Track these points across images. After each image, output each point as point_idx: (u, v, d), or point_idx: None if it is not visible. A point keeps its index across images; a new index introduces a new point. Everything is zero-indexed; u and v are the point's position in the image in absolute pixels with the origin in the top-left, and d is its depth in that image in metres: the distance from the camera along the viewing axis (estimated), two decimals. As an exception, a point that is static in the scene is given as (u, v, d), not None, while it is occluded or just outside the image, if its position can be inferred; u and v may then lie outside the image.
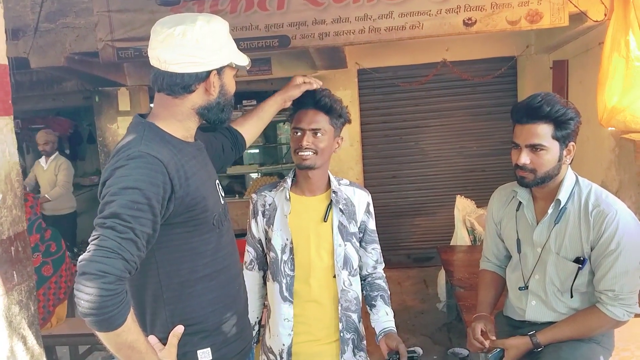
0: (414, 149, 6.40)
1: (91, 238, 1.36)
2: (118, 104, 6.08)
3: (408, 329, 4.60)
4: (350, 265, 2.04)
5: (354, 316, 2.07)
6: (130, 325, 1.35)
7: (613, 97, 3.63)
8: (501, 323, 2.23)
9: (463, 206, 4.97)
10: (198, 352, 1.58)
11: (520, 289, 2.14)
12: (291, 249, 2.00)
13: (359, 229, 2.08)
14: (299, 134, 1.96)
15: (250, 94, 6.50)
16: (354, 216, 2.06)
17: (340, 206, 2.03)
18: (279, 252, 2.02)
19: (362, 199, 2.10)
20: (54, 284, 3.21)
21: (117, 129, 6.13)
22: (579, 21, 4.29)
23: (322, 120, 1.96)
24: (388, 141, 6.39)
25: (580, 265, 1.95)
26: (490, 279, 2.30)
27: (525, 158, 1.93)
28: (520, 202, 2.11)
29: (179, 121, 1.58)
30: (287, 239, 2.01)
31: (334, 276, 2.02)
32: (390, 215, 6.48)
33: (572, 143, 1.94)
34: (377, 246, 2.16)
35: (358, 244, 2.09)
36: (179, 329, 1.54)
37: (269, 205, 2.07)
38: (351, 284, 2.05)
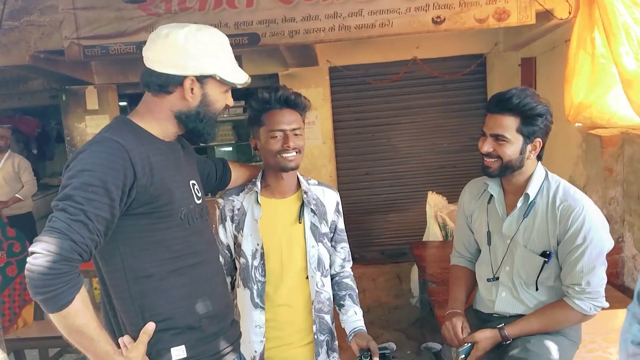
0: (386, 146, 6.42)
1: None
2: (86, 102, 5.96)
3: (382, 324, 4.61)
4: (323, 266, 2.03)
5: (327, 317, 2.05)
6: (79, 308, 1.34)
7: (579, 93, 3.70)
8: (470, 317, 2.25)
9: (435, 202, 5.01)
10: (172, 349, 1.55)
11: (489, 280, 2.16)
12: (262, 254, 1.95)
13: (329, 228, 2.06)
14: (278, 136, 1.90)
15: (221, 92, 6.44)
16: (324, 216, 2.03)
17: (312, 207, 1.99)
18: (249, 258, 1.97)
19: (331, 199, 2.08)
20: (19, 285, 3.14)
21: (85, 128, 6.02)
22: (546, 19, 4.36)
23: (298, 119, 1.94)
24: (360, 138, 6.41)
25: (546, 259, 1.98)
26: (462, 275, 2.32)
27: (487, 146, 1.97)
28: (491, 195, 2.13)
29: (156, 120, 1.59)
30: (257, 244, 1.96)
31: (307, 278, 1.99)
32: (364, 212, 6.50)
33: (538, 139, 1.97)
34: (346, 245, 2.14)
35: (329, 244, 2.06)
36: (150, 326, 1.52)
37: (238, 210, 2.00)
38: (324, 285, 2.04)
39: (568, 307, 1.97)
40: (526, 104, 1.90)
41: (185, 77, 1.54)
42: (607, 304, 1.98)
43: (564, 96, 3.86)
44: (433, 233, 4.81)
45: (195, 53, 1.53)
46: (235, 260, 2.05)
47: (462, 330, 2.12)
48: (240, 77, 1.63)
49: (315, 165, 6.23)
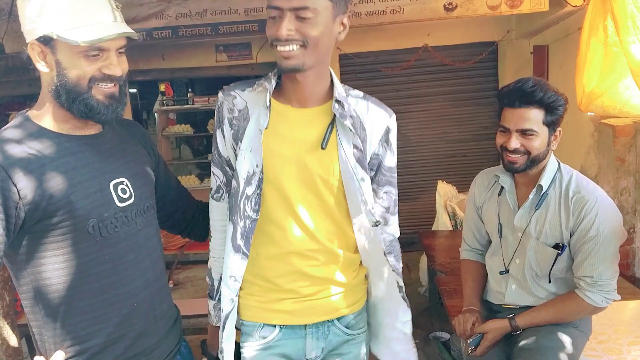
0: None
1: None
2: (96, 89, 5.96)
3: (390, 313, 4.61)
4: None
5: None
6: None
7: (591, 82, 3.65)
8: (480, 307, 2.24)
9: (444, 191, 4.99)
10: None
11: (501, 273, 2.15)
12: (260, 180, 1.45)
13: (368, 163, 1.52)
14: (276, 16, 1.35)
15: (231, 79, 6.34)
16: (363, 144, 1.49)
17: (347, 123, 1.44)
18: (241, 182, 1.46)
19: (378, 121, 1.52)
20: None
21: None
22: (559, 6, 4.30)
23: None
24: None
25: (559, 251, 1.97)
26: (473, 269, 2.30)
27: (515, 142, 1.92)
28: (502, 187, 2.12)
29: (47, 108, 1.40)
30: (257, 166, 1.45)
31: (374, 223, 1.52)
32: (372, 201, 6.48)
33: (559, 128, 1.95)
34: (393, 190, 1.60)
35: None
36: (57, 356, 1.36)
37: (240, 111, 1.48)
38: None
39: (579, 299, 1.95)
40: (550, 95, 1.88)
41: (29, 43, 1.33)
42: (618, 297, 1.97)
43: (575, 84, 3.81)
44: (442, 222, 4.79)
45: (31, 13, 1.31)
46: None
47: (473, 325, 2.11)
48: (89, 33, 1.29)
49: (324, 153, 6.20)
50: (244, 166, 1.46)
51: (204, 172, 6.92)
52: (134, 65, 6.04)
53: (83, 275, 1.37)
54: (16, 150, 1.30)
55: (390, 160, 1.57)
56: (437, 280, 3.47)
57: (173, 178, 1.75)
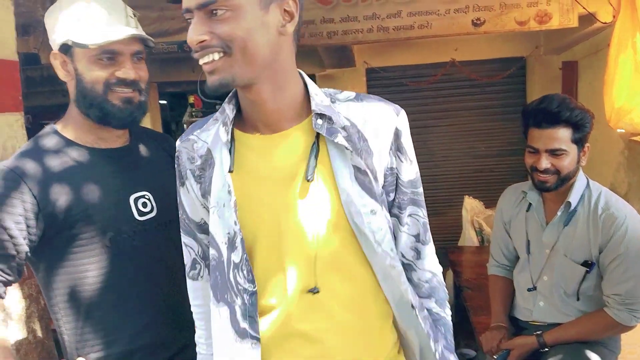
0: (422, 149, 6.38)
1: None
2: (127, 101, 6.09)
3: (414, 328, 4.58)
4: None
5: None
6: None
7: (620, 98, 3.62)
8: (509, 324, 2.22)
9: (471, 207, 4.96)
10: None
11: (528, 290, 2.14)
12: (242, 242, 1.07)
13: (378, 180, 1.12)
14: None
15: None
16: (365, 156, 1.09)
17: (339, 140, 1.06)
18: (222, 249, 1.10)
19: (383, 124, 1.12)
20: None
21: (125, 126, 6.15)
22: (588, 22, 4.27)
23: None
24: (396, 140, 6.37)
25: (587, 269, 1.95)
26: (501, 286, 2.29)
27: (545, 163, 1.91)
28: (530, 203, 2.11)
29: (73, 119, 1.43)
30: (234, 222, 1.07)
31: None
32: (398, 215, 6.47)
33: (587, 144, 1.95)
34: (421, 212, 1.20)
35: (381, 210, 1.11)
36: None
37: (202, 157, 1.13)
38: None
39: (608, 316, 1.93)
40: (577, 114, 1.87)
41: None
42: (648, 315, 1.94)
43: (604, 101, 3.78)
44: (469, 238, 4.76)
45: (51, 24, 1.37)
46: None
47: (500, 341, 2.10)
48: (98, 37, 1.31)
49: (350, 167, 6.22)
50: (219, 228, 1.09)
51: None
52: (165, 77, 6.17)
53: (101, 286, 1.38)
54: (38, 162, 1.33)
55: (409, 171, 1.17)
56: (463, 296, 3.45)
57: None
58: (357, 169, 1.08)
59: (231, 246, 1.08)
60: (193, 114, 6.31)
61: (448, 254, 4.45)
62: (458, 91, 6.22)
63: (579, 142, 1.91)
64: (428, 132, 6.33)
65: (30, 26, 4.62)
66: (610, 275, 1.91)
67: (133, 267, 1.42)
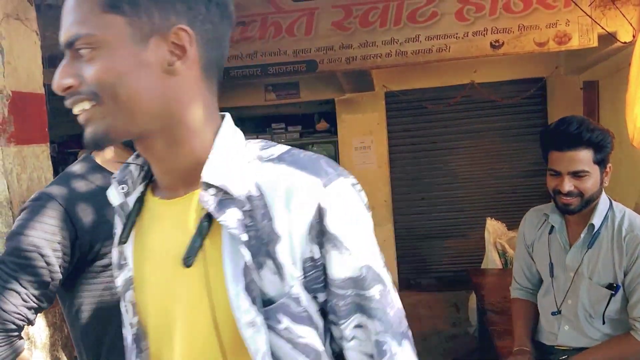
0: (443, 171, 6.36)
1: None
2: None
3: (439, 353, 4.53)
4: None
5: None
6: None
7: (643, 117, 3.58)
8: (532, 348, 2.19)
9: (494, 229, 4.91)
10: None
11: (553, 314, 2.10)
12: (138, 336, 0.94)
13: (304, 279, 0.82)
14: None
15: (279, 118, 6.57)
16: (270, 241, 0.80)
17: (227, 220, 0.80)
18: (128, 337, 0.97)
19: (298, 200, 0.80)
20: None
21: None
22: (608, 42, 4.26)
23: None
24: (416, 163, 6.37)
25: (612, 292, 1.92)
26: (525, 309, 2.26)
27: (568, 185, 1.89)
28: (552, 226, 2.09)
29: (111, 150, 1.43)
30: (131, 309, 0.94)
31: None
32: (419, 238, 6.43)
33: (609, 164, 1.93)
34: (372, 324, 0.84)
35: (300, 312, 0.82)
36: None
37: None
38: None
39: (634, 340, 1.89)
40: (598, 135, 1.86)
41: None
42: (677, 340, 1.89)
43: (626, 120, 3.74)
44: (492, 260, 4.70)
45: None
46: None
47: None
48: None
49: (370, 190, 6.18)
50: (125, 315, 0.97)
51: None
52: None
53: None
54: (78, 191, 1.35)
55: (345, 266, 0.83)
56: (487, 320, 3.40)
57: None
58: (247, 267, 0.80)
59: (134, 336, 0.94)
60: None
61: (471, 276, 4.39)
62: (478, 113, 6.21)
63: (601, 162, 1.89)
64: (448, 153, 6.32)
65: (55, 58, 4.74)
66: (636, 299, 1.87)
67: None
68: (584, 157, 1.87)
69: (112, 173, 1.34)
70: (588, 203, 1.92)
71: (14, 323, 1.27)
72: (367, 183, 6.17)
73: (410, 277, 6.50)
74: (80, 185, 1.37)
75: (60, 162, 8.00)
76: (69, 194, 1.33)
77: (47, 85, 2.17)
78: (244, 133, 0.91)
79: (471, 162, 6.32)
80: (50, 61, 4.66)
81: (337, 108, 6.25)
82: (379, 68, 4.73)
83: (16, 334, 1.29)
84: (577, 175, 1.89)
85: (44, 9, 3.83)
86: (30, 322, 1.32)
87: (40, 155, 2.08)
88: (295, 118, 6.78)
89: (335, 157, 6.80)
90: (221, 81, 0.92)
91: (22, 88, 2.00)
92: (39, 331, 1.98)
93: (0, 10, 1.92)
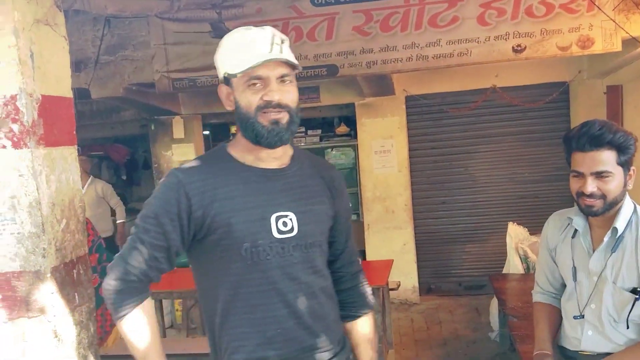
0: (464, 175, 6.33)
1: None
2: (173, 132, 6.28)
3: (460, 358, 4.51)
4: None
5: None
6: (129, 325, 1.49)
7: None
8: (555, 353, 2.17)
9: (515, 233, 4.88)
10: None
11: (575, 317, 2.08)
12: None
13: None
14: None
15: (300, 121, 6.60)
16: None
17: None
18: None
19: None
20: (111, 306, 3.29)
21: (171, 156, 6.32)
22: (632, 46, 4.21)
23: None
24: (437, 167, 6.36)
25: (637, 296, 1.90)
26: (547, 313, 2.24)
27: (591, 186, 1.88)
28: (576, 230, 2.07)
29: (238, 139, 1.59)
30: None
31: None
32: (440, 242, 6.41)
33: (633, 167, 1.92)
34: None
35: None
36: None
37: None
38: None
39: (661, 346, 1.87)
40: (620, 135, 1.85)
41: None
42: (703, 344, 1.87)
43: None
44: (514, 265, 4.67)
45: (216, 60, 1.56)
46: None
47: None
48: (244, 65, 1.45)
49: (390, 194, 6.23)
50: None
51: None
52: (208, 108, 6.29)
53: (234, 292, 1.52)
54: (198, 171, 1.53)
55: None
56: (509, 325, 3.38)
57: (344, 234, 1.74)
58: None
59: None
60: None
61: (492, 281, 4.38)
62: (499, 117, 6.18)
63: (624, 164, 1.88)
64: (469, 158, 6.29)
65: (81, 63, 4.85)
66: (662, 303, 1.85)
67: (265, 280, 1.52)
68: (606, 158, 1.86)
69: (237, 161, 1.55)
70: (611, 205, 1.90)
71: (137, 277, 1.48)
72: (388, 187, 6.18)
73: (431, 282, 6.47)
74: (204, 166, 1.54)
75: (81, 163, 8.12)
76: (190, 172, 1.51)
77: (74, 89, 2.22)
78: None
79: (492, 167, 6.28)
80: (76, 66, 4.76)
81: (357, 112, 6.26)
82: (400, 72, 4.73)
83: (138, 286, 1.49)
84: (600, 175, 1.87)
85: (71, 14, 3.92)
86: (152, 279, 1.51)
87: (68, 157, 2.12)
88: (315, 122, 6.80)
89: (355, 161, 6.81)
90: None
91: (51, 92, 2.04)
92: (66, 329, 2.02)
93: (31, 16, 1.96)
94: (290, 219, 1.54)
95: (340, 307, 1.71)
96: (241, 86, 1.49)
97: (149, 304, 1.52)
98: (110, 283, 1.48)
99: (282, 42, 1.51)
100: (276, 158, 1.57)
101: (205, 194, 1.48)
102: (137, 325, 1.49)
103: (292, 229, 1.54)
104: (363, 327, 1.74)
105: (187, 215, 1.47)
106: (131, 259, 1.48)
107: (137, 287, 1.49)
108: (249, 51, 1.46)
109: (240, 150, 1.57)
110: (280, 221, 1.53)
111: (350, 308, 1.74)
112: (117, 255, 1.52)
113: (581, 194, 1.91)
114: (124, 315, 1.48)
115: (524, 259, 4.66)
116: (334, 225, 1.68)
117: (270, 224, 1.52)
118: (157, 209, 1.49)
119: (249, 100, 1.49)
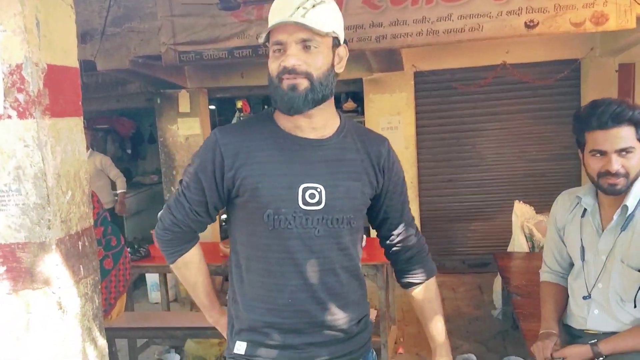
0: (471, 153, 6.29)
1: None
2: (178, 105, 6.23)
3: (462, 335, 4.52)
4: None
5: None
6: (181, 267, 1.68)
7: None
8: (560, 332, 2.17)
9: (522, 212, 4.86)
10: (237, 342, 1.61)
11: (584, 298, 2.08)
12: None
13: None
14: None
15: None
16: None
17: None
18: None
19: None
20: (114, 277, 3.31)
21: (177, 130, 6.29)
22: (647, 23, 4.13)
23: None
24: (444, 144, 6.31)
25: (646, 276, 1.89)
26: (553, 292, 2.24)
27: (617, 164, 1.86)
28: (585, 209, 2.05)
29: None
30: None
31: None
32: (445, 220, 6.39)
33: None
34: None
35: None
36: None
37: None
38: None
39: (667, 325, 1.86)
40: (638, 111, 1.84)
41: None
42: None
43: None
44: (519, 244, 4.66)
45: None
46: None
47: (553, 352, 2.05)
48: (266, 31, 1.47)
49: (397, 171, 6.19)
50: None
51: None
52: (214, 82, 6.23)
53: (255, 254, 1.56)
54: (236, 132, 1.56)
55: None
56: (513, 303, 3.38)
57: (398, 210, 1.74)
58: None
59: None
60: (241, 118, 6.41)
61: (497, 259, 4.37)
62: (509, 94, 6.11)
63: None
64: (477, 135, 6.24)
65: (87, 34, 4.81)
66: (670, 283, 1.84)
67: (284, 248, 1.53)
68: (627, 134, 1.84)
69: (278, 127, 1.55)
70: (632, 183, 1.89)
71: (181, 229, 1.60)
72: (394, 164, 6.13)
73: (435, 259, 6.44)
74: (244, 128, 1.58)
75: (88, 137, 8.11)
76: (228, 133, 1.55)
77: (80, 61, 2.19)
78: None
79: (500, 144, 6.23)
80: (82, 37, 4.72)
81: (364, 87, 6.20)
82: (410, 47, 4.66)
83: (182, 236, 1.63)
84: (623, 152, 1.86)
85: (76, -16, 3.86)
86: (195, 231, 1.64)
87: (74, 128, 2.10)
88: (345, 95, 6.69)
89: (362, 137, 6.76)
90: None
91: (57, 62, 2.01)
92: (71, 301, 2.03)
93: (36, -17, 1.92)
94: (319, 192, 1.51)
95: (401, 276, 1.82)
96: (270, 53, 1.49)
97: (194, 250, 1.67)
98: (159, 233, 1.64)
99: (314, 6, 1.44)
100: (315, 128, 1.54)
101: (239, 155, 1.51)
102: (185, 270, 1.69)
103: (319, 202, 1.51)
104: (423, 293, 1.80)
105: (221, 174, 1.53)
106: (176, 212, 1.59)
107: (182, 237, 1.63)
108: (273, 17, 1.46)
109: (281, 117, 1.55)
110: (308, 192, 1.51)
111: (410, 276, 1.80)
112: (165, 205, 1.65)
113: (605, 174, 1.88)
114: (173, 260, 1.66)
115: (529, 238, 4.65)
116: (385, 202, 1.68)
117: (297, 194, 1.50)
118: (196, 166, 1.56)
119: (271, 67, 1.48)
